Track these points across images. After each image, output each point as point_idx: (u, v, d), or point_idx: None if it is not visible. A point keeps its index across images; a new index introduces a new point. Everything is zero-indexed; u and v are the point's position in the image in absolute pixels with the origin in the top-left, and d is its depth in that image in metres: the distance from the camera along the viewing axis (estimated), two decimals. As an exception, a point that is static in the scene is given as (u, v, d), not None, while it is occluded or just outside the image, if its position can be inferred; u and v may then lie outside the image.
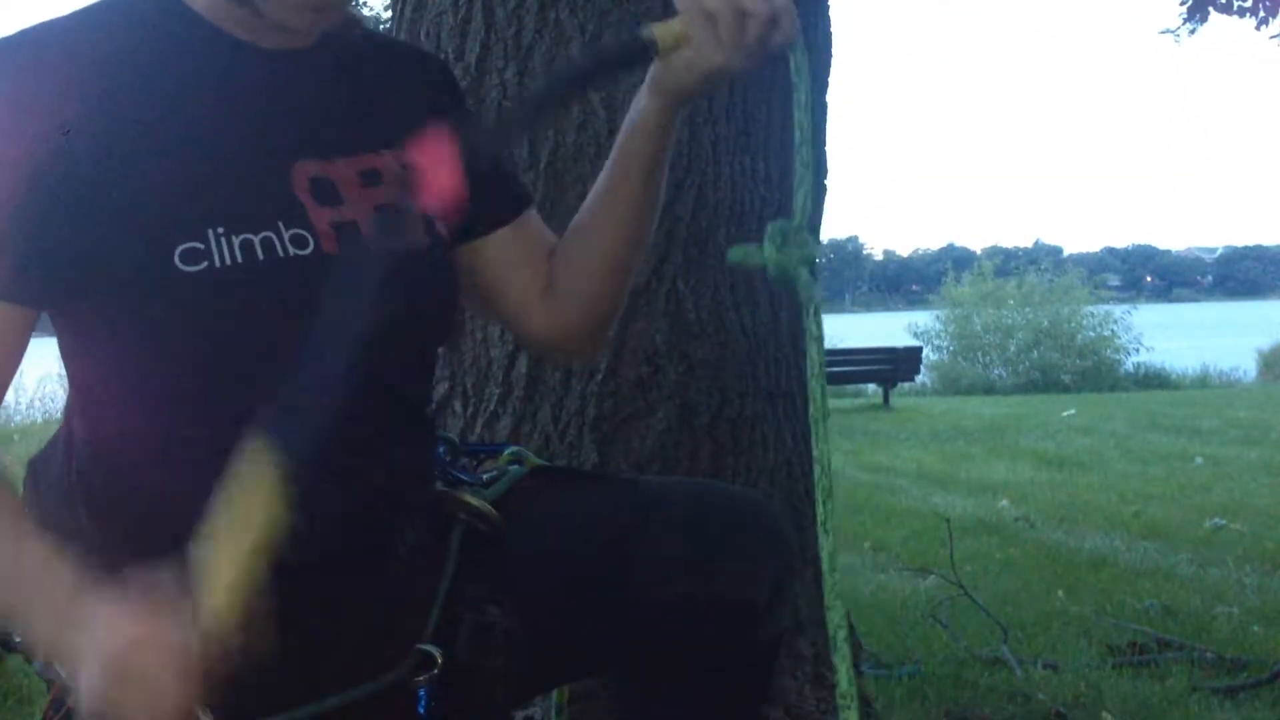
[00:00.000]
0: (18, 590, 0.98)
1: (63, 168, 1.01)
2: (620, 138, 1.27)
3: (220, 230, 1.04)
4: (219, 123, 1.09)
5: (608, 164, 1.30)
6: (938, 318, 23.55)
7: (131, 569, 0.93)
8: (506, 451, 1.38)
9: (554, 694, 1.73)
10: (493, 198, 1.29)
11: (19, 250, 1.02)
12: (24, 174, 1.00)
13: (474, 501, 1.23)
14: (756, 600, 1.27)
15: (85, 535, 1.07)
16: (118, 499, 1.09)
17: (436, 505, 1.23)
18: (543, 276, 1.34)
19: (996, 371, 21.98)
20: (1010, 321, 22.99)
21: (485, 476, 1.31)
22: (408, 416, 1.21)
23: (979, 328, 22.77)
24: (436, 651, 1.12)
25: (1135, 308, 23.67)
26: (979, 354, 22.44)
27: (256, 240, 1.06)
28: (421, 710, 1.11)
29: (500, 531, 1.23)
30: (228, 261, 1.04)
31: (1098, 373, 21.07)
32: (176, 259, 1.02)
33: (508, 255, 1.33)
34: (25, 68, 1.04)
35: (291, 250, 1.07)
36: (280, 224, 1.08)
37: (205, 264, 1.03)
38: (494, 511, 1.23)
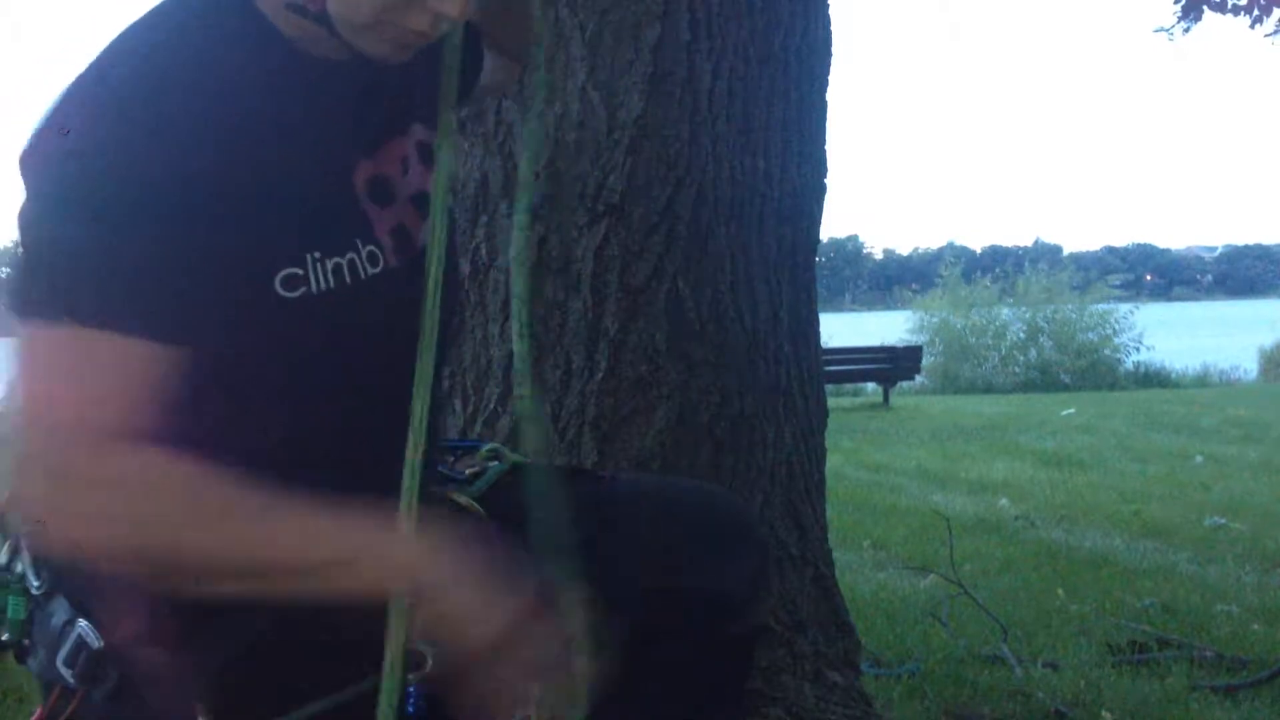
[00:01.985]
0: (326, 544, 1.00)
1: (184, 211, 1.00)
2: None
3: (317, 255, 1.07)
4: (300, 140, 1.10)
5: None
6: (920, 323, 23.34)
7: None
8: (485, 448, 1.40)
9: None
10: None
11: (157, 289, 1.00)
12: (156, 218, 0.99)
13: (460, 500, 1.27)
14: (733, 594, 1.28)
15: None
16: None
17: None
18: None
19: (988, 369, 21.91)
20: (1000, 321, 22.95)
21: (467, 472, 1.34)
22: (433, 414, 1.23)
23: (960, 328, 22.65)
24: (427, 649, 1.12)
25: (1137, 307, 23.59)
26: (969, 354, 22.34)
27: (344, 264, 1.09)
28: (411, 709, 1.12)
29: (485, 526, 1.26)
30: (322, 287, 1.07)
31: (1097, 372, 21.05)
32: (278, 285, 1.04)
33: None
34: (150, 117, 1.01)
35: (369, 270, 1.11)
36: (358, 242, 1.11)
37: (303, 289, 1.06)
38: (479, 508, 1.27)
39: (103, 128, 0.99)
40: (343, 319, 1.09)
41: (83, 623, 1.08)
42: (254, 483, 0.99)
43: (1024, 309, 23.12)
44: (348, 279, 1.09)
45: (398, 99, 1.21)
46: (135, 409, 0.98)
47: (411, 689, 1.12)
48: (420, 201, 1.19)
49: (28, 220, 1.00)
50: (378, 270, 1.12)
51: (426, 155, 1.23)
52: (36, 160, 1.01)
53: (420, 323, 1.10)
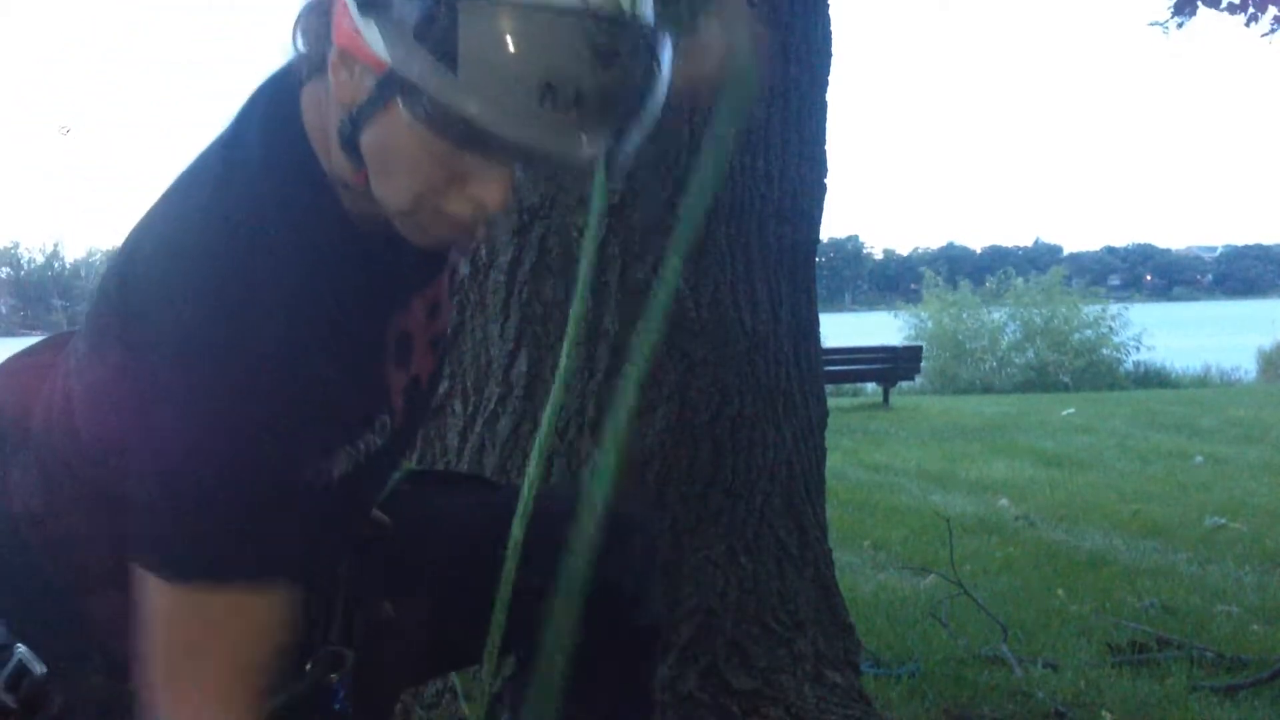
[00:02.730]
0: None
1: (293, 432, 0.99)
2: None
3: (346, 448, 1.07)
4: (348, 320, 1.05)
5: None
6: (916, 329, 23.34)
7: None
8: None
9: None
10: None
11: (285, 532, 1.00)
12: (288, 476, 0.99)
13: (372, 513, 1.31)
14: (621, 587, 1.31)
15: None
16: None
17: None
18: None
19: (987, 370, 21.89)
20: (994, 322, 22.95)
21: None
22: None
23: (952, 330, 22.64)
24: (348, 650, 1.15)
25: (1128, 307, 23.54)
26: (965, 358, 22.31)
27: (362, 445, 1.09)
28: (337, 706, 1.14)
29: (387, 533, 1.30)
30: (340, 472, 1.07)
31: (1097, 371, 21.03)
32: (308, 474, 1.03)
33: None
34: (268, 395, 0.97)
35: (378, 443, 1.11)
36: (375, 420, 1.11)
37: (324, 477, 1.05)
38: (385, 517, 1.31)
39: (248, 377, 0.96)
40: (350, 492, 1.11)
41: (21, 647, 1.07)
42: None
43: (1017, 309, 23.12)
44: (361, 459, 1.09)
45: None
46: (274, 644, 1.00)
47: (337, 685, 1.15)
48: (438, 343, 1.20)
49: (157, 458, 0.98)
50: (384, 440, 1.12)
51: (452, 289, 1.26)
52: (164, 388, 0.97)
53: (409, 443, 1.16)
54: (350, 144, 0.99)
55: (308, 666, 1.15)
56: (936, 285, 24.79)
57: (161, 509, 0.96)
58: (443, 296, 1.21)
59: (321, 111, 1.03)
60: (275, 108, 1.06)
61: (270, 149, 1.04)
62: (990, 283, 26.42)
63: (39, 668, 1.06)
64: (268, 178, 1.03)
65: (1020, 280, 24.90)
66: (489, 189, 0.98)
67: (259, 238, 0.99)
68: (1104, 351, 21.88)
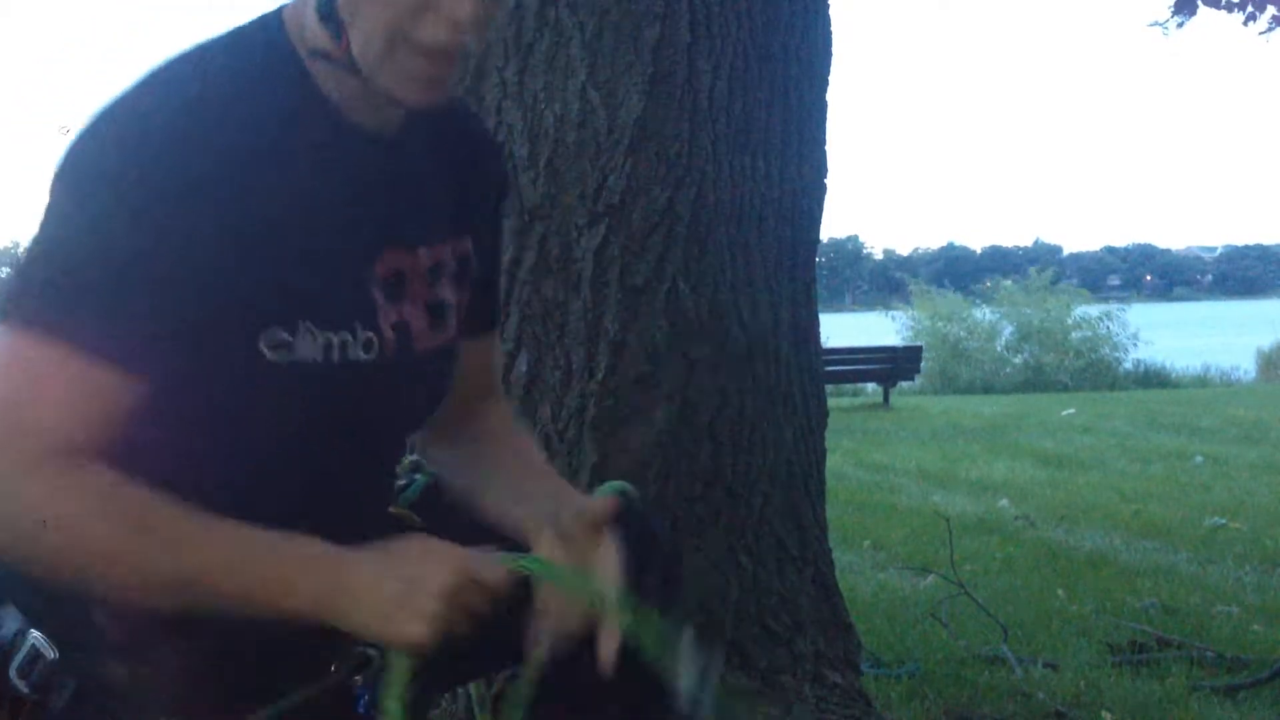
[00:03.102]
0: (265, 568, 1.02)
1: (181, 246, 1.00)
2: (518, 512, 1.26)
3: (309, 324, 1.07)
4: (322, 207, 1.10)
5: (511, 498, 1.30)
6: (914, 331, 23.36)
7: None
8: (407, 459, 1.42)
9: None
10: (485, 304, 1.35)
11: (128, 315, 1.00)
12: (146, 246, 1.00)
13: (396, 510, 1.30)
14: (644, 601, 1.28)
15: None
16: None
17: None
18: (457, 411, 1.35)
19: (986, 370, 21.89)
20: (986, 323, 22.97)
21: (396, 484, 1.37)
22: (389, 474, 1.31)
23: (946, 331, 22.65)
24: (375, 652, 1.13)
25: (1126, 307, 23.54)
26: (963, 359, 22.31)
27: (335, 341, 1.09)
28: (360, 709, 1.13)
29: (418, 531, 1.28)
30: (308, 358, 1.07)
31: (1096, 372, 21.04)
32: (262, 344, 1.05)
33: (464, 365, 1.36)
34: (182, 175, 1.01)
35: (361, 355, 1.11)
36: (356, 324, 1.11)
37: (287, 354, 1.06)
38: (415, 517, 1.29)
39: (135, 170, 0.99)
40: (321, 393, 1.09)
41: (35, 633, 1.07)
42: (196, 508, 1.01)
43: (1009, 309, 23.14)
44: (335, 359, 1.09)
45: (447, 206, 1.22)
46: (85, 428, 0.98)
47: (361, 689, 1.13)
48: (437, 311, 1.20)
49: (40, 229, 1.02)
50: (370, 357, 1.12)
51: (465, 270, 1.24)
52: (66, 179, 1.02)
53: (399, 411, 1.17)
54: (325, 9, 1.04)
55: (332, 667, 1.13)
56: (927, 293, 24.94)
57: (35, 254, 1.00)
58: (446, 263, 1.21)
59: (298, 8, 1.09)
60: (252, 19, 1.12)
61: (239, 31, 1.11)
62: (986, 284, 26.48)
63: (51, 653, 1.06)
64: (230, 48, 1.09)
65: (1008, 282, 24.90)
66: (458, 3, 1.02)
67: (211, 89, 1.04)
68: (1104, 350, 21.89)
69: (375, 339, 1.12)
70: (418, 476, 1.38)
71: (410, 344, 1.16)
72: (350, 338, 1.10)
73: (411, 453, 1.43)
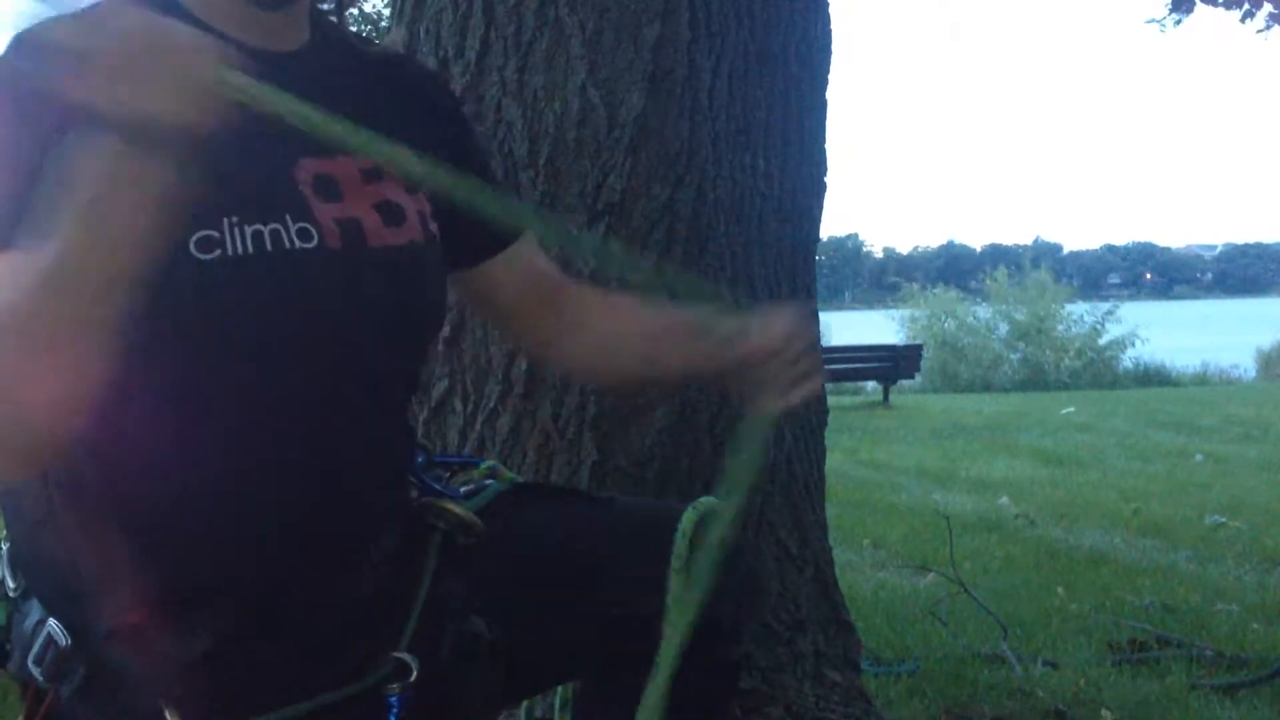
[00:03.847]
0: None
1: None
2: (696, 335, 1.32)
3: (234, 219, 1.05)
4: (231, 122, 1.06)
5: (665, 327, 1.34)
6: (912, 328, 23.38)
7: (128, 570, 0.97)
8: (483, 465, 1.40)
9: (559, 692, 1.74)
10: (486, 226, 1.28)
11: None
12: (42, 157, 0.95)
13: (459, 511, 1.24)
14: (721, 621, 1.27)
15: (65, 540, 1.06)
16: (114, 494, 1.06)
17: (414, 513, 1.24)
18: (554, 311, 1.37)
19: (985, 369, 21.89)
20: (981, 321, 22.99)
21: (463, 489, 1.33)
22: (389, 419, 1.22)
23: (944, 328, 22.68)
24: (413, 660, 1.12)
25: (1118, 305, 23.52)
26: (962, 356, 22.32)
27: (266, 231, 1.06)
28: (392, 718, 1.11)
29: (482, 543, 1.24)
30: (239, 251, 1.04)
31: (1096, 370, 21.04)
32: (192, 246, 1.02)
33: (510, 281, 1.36)
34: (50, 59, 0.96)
35: (298, 244, 1.08)
36: (287, 216, 1.08)
37: (219, 252, 1.03)
38: (479, 522, 1.24)
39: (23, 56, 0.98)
40: (263, 284, 1.06)
41: (52, 621, 1.07)
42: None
43: (1002, 307, 23.16)
44: (269, 246, 1.06)
45: (369, 121, 1.11)
46: None
47: (394, 699, 1.12)
48: (388, 210, 1.16)
49: None
50: (310, 245, 1.09)
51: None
52: None
53: (364, 312, 1.11)
54: None
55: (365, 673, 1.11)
56: (921, 294, 25.05)
57: None
58: (382, 170, 1.17)
59: None
60: None
61: None
62: (985, 280, 26.50)
63: (64, 640, 1.06)
64: None
65: (995, 280, 24.84)
66: None
67: (90, 12, 0.98)
68: (1104, 348, 21.89)
69: (313, 229, 1.09)
70: (490, 483, 1.35)
71: (363, 239, 1.13)
72: (281, 227, 1.07)
73: (484, 460, 1.41)
